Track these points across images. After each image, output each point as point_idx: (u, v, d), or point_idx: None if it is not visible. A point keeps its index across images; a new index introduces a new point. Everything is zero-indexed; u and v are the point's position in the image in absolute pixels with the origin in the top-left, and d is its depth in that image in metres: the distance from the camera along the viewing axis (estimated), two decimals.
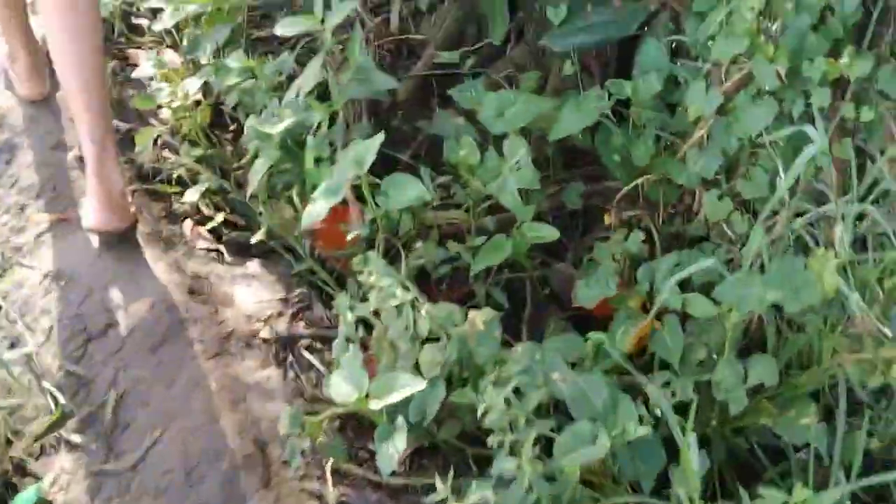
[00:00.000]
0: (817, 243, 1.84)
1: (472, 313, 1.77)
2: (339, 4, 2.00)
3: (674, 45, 2.27)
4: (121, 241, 2.12)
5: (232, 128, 2.68)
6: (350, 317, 1.78)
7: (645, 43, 2.14)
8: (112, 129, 2.16)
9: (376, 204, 1.94)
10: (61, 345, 1.96)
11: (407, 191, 1.90)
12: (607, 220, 2.21)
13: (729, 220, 2.01)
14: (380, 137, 1.93)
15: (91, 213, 2.12)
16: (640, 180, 2.10)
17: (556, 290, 2.29)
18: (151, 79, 2.51)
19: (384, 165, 2.67)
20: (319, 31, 2.06)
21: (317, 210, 1.89)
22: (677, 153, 2.08)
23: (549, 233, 2.00)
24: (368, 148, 1.89)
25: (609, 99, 2.05)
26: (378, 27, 3.03)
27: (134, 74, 2.59)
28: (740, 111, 1.89)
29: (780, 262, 1.63)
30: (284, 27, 2.07)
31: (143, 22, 3.07)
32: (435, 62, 2.88)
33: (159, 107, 2.49)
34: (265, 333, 2.02)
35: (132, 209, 2.19)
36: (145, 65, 2.50)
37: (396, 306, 1.74)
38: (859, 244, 1.84)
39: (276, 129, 2.13)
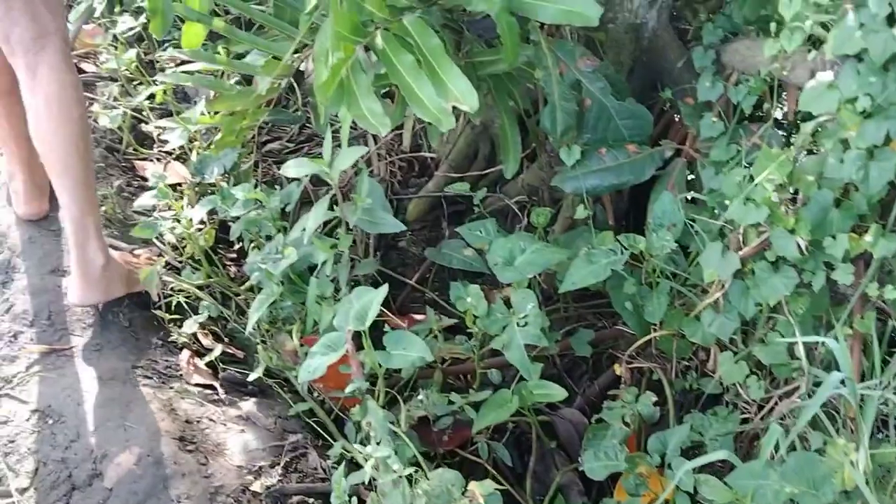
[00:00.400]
0: (837, 415, 1.77)
1: (472, 486, 1.69)
2: (348, 151, 1.96)
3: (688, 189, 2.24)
4: (112, 378, 2.06)
5: (236, 246, 2.63)
6: (344, 484, 1.70)
7: (660, 194, 2.09)
8: (94, 211, 2.23)
9: (378, 362, 1.87)
10: (44, 492, 1.87)
11: (409, 351, 1.83)
12: (618, 370, 2.13)
13: (745, 383, 1.94)
14: (383, 291, 1.87)
15: (74, 288, 2.21)
16: (652, 335, 2.03)
17: (564, 439, 2.20)
18: (153, 208, 2.46)
19: (390, 288, 2.63)
20: (326, 173, 2.01)
21: (315, 366, 1.82)
22: (691, 309, 2.02)
23: (558, 392, 1.93)
24: (371, 303, 1.83)
25: (622, 253, 1.99)
26: (390, 143, 3.00)
27: (136, 205, 2.55)
28: (759, 278, 1.82)
29: (798, 456, 1.55)
30: (292, 169, 2.03)
31: (152, 129, 3.05)
32: (447, 180, 2.85)
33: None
34: (256, 487, 1.94)
35: (113, 283, 2.26)
36: (146, 196, 2.45)
37: (393, 480, 1.65)
38: (879, 421, 1.77)
39: (280, 268, 2.07)
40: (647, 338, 2.03)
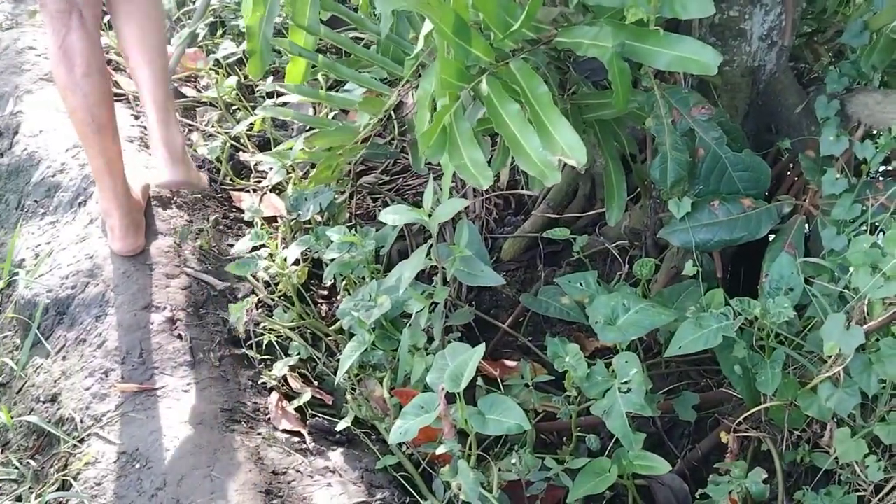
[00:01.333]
0: None
1: None
2: (449, 202, 1.89)
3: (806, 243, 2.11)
4: (200, 422, 2.03)
5: (327, 283, 2.59)
6: None
7: (776, 254, 1.96)
8: (172, 98, 2.47)
9: (470, 423, 1.79)
10: None
11: (505, 417, 1.75)
12: (724, 438, 2.01)
13: (863, 462, 1.81)
14: (480, 351, 1.79)
15: (164, 168, 2.36)
16: (763, 406, 1.91)
17: None
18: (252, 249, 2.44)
19: (483, 330, 2.56)
20: (426, 222, 1.94)
21: (407, 428, 1.76)
22: (806, 377, 1.89)
23: (660, 465, 1.82)
24: (467, 364, 1.75)
25: (734, 317, 1.87)
26: None
27: (233, 251, 2.54)
28: (884, 354, 1.69)
29: None
30: (391, 217, 1.97)
31: (250, 158, 3.04)
32: (545, 220, 2.77)
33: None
34: None
35: (192, 169, 2.49)
36: (244, 240, 2.43)
37: None
38: None
39: (372, 317, 2.02)
40: (758, 408, 1.91)
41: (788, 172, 2.32)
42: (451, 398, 1.83)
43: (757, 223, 2.05)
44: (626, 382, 1.83)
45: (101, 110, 2.31)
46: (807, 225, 2.12)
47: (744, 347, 1.92)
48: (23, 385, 2.31)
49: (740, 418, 1.96)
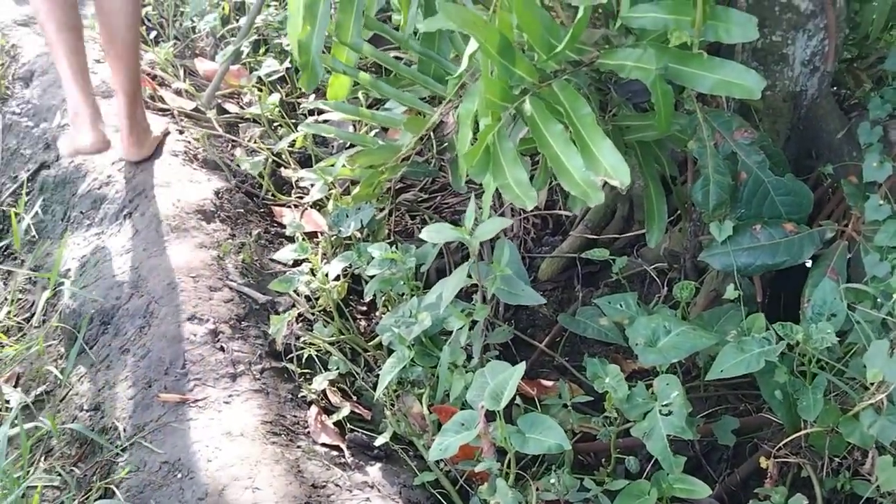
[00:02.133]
0: None
1: None
2: (491, 221, 1.91)
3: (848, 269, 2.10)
4: (241, 433, 2.06)
5: (367, 299, 2.61)
6: None
7: (819, 279, 1.96)
8: (140, 89, 2.86)
9: (510, 441, 1.80)
10: None
11: (545, 437, 1.76)
12: (763, 463, 2.00)
13: None
14: (520, 370, 1.81)
15: (127, 147, 2.86)
16: (804, 432, 1.90)
17: None
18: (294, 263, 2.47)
19: (520, 349, 2.56)
20: (467, 241, 1.96)
21: (447, 445, 1.77)
22: (848, 404, 1.88)
23: (701, 489, 1.81)
24: (507, 382, 1.76)
25: (776, 342, 1.86)
26: None
27: (276, 256, 2.57)
28: None
29: None
30: (432, 235, 1.99)
31: (291, 174, 3.08)
32: (583, 241, 2.77)
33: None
34: None
35: (154, 143, 2.93)
36: (286, 249, 2.47)
37: None
38: None
39: (413, 333, 2.04)
40: (799, 434, 1.90)
41: (830, 198, 2.32)
42: (490, 416, 1.84)
43: (799, 248, 2.05)
44: (666, 405, 1.83)
45: (72, 13, 2.62)
46: (848, 251, 2.11)
47: (785, 373, 1.91)
48: (66, 393, 2.35)
49: (780, 444, 1.95)
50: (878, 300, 1.91)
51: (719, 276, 2.32)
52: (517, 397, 2.06)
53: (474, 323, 2.09)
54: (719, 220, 2.09)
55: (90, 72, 2.80)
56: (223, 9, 3.77)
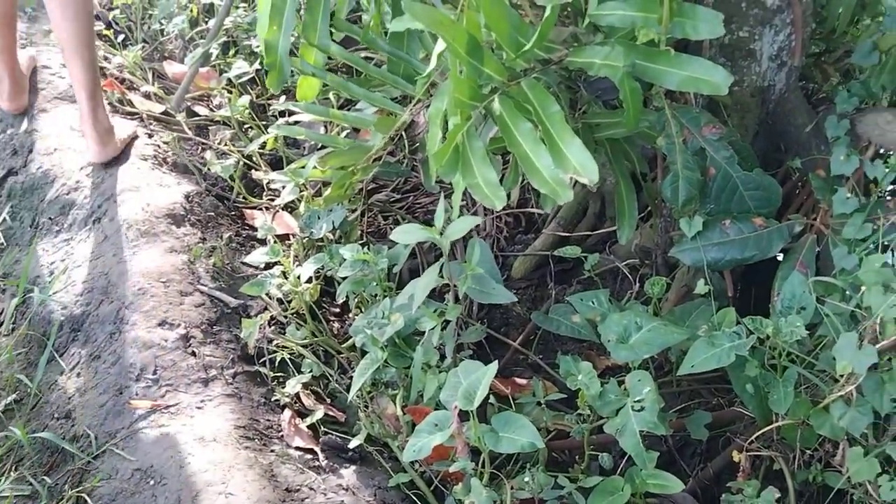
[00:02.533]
0: None
1: None
2: (461, 220, 1.90)
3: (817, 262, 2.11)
4: (214, 439, 2.04)
5: (339, 300, 2.60)
6: None
7: (788, 273, 1.97)
8: (100, 85, 2.93)
9: (484, 441, 1.80)
10: None
11: (519, 435, 1.76)
12: (736, 457, 2.01)
13: (875, 482, 1.81)
14: (493, 369, 1.80)
15: (92, 150, 2.90)
16: (776, 425, 1.91)
17: None
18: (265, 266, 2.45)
19: (493, 348, 2.56)
20: (438, 241, 1.96)
21: (421, 446, 1.76)
22: (819, 396, 1.89)
23: (674, 484, 1.82)
24: (480, 382, 1.76)
25: (747, 336, 1.87)
26: None
27: (248, 259, 2.56)
28: None
29: None
30: (402, 236, 1.98)
31: (262, 176, 3.07)
32: (555, 238, 2.77)
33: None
34: None
35: (119, 143, 2.96)
36: (257, 252, 2.46)
37: None
38: None
39: (386, 334, 2.03)
40: (770, 427, 1.91)
41: (798, 192, 2.33)
42: (464, 416, 1.84)
43: (768, 242, 2.06)
44: (639, 401, 1.84)
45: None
46: (817, 244, 2.13)
47: (756, 366, 1.92)
48: (37, 402, 2.32)
49: (752, 437, 1.96)
50: (847, 293, 1.92)
51: (690, 271, 2.33)
52: (491, 396, 2.06)
53: (447, 323, 2.09)
54: (689, 215, 2.10)
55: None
56: (191, 11, 3.74)
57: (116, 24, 3.87)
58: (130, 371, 2.21)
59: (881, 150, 2.07)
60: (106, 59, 3.62)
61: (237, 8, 3.58)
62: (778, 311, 1.91)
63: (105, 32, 3.75)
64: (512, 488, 1.90)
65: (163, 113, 3.35)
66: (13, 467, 2.18)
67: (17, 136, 3.21)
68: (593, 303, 2.18)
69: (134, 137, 3.06)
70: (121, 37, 3.76)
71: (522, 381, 2.34)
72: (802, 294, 1.90)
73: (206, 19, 3.75)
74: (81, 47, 2.78)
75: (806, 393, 1.94)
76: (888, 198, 2.06)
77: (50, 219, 2.84)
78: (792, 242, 2.09)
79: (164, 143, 3.12)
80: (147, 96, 3.42)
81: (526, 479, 1.89)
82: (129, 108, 3.31)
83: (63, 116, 3.20)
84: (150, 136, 3.13)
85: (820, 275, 2.04)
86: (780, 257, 2.13)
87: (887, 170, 1.95)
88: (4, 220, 2.92)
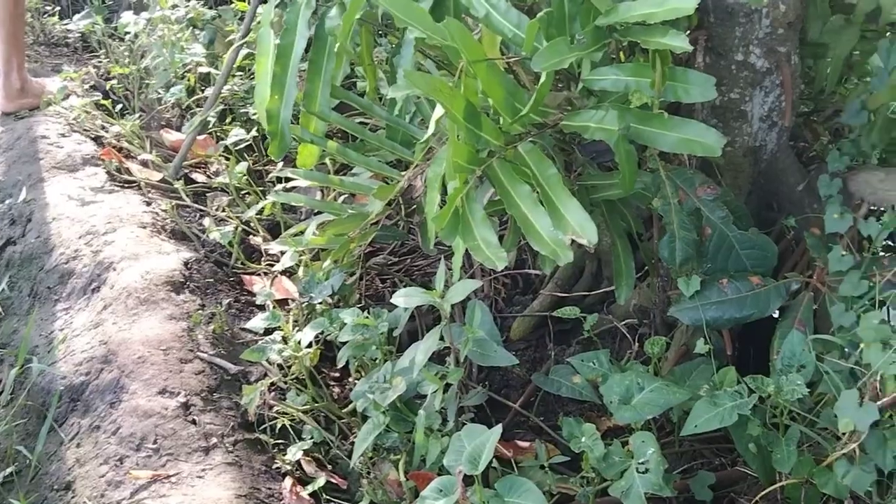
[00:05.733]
0: None
1: None
2: (461, 283, 1.92)
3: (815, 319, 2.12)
4: None
5: (339, 365, 2.59)
6: None
7: (787, 331, 1.98)
8: (20, 53, 3.67)
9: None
10: None
11: (524, 500, 1.75)
12: None
13: None
14: (497, 432, 1.80)
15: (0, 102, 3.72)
16: (779, 484, 1.90)
17: None
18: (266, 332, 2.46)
19: (494, 411, 2.55)
20: (438, 304, 1.97)
21: None
22: (822, 454, 1.89)
23: None
24: (484, 446, 1.76)
25: (748, 395, 1.88)
26: None
27: (248, 325, 2.57)
28: None
29: None
30: (403, 299, 1.99)
31: (260, 241, 3.09)
32: (553, 299, 2.78)
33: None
34: None
35: (30, 98, 3.74)
36: (257, 318, 2.47)
37: None
38: None
39: (387, 399, 2.03)
40: (774, 487, 1.90)
41: (793, 250, 2.36)
42: (468, 480, 1.83)
43: (766, 301, 2.08)
44: (643, 462, 1.83)
45: None
46: (814, 302, 2.14)
47: (758, 425, 1.92)
48: (36, 473, 2.30)
49: (756, 497, 1.96)
50: (846, 350, 1.94)
51: (688, 330, 2.34)
52: (494, 460, 2.05)
53: (448, 386, 2.09)
54: (686, 275, 2.12)
55: None
56: (189, 80, 3.80)
57: (114, 93, 3.92)
58: (131, 440, 2.20)
59: (873, 208, 2.10)
60: (104, 128, 3.67)
61: (233, 77, 3.64)
62: (778, 369, 1.92)
63: (103, 102, 3.81)
64: None
65: (161, 181, 3.38)
66: None
67: (16, 205, 3.23)
68: (594, 363, 2.19)
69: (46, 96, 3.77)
70: (119, 106, 3.81)
71: (525, 444, 2.33)
72: (802, 352, 1.91)
73: (203, 88, 3.80)
74: (3, 19, 3.52)
75: (809, 451, 1.94)
76: (883, 255, 2.08)
77: (49, 288, 2.84)
78: (789, 300, 2.11)
79: (163, 210, 3.15)
80: (145, 164, 3.45)
81: None
82: (126, 177, 3.34)
83: (61, 186, 3.22)
84: (149, 203, 3.15)
85: (818, 332, 2.06)
86: (778, 315, 2.14)
87: (881, 227, 1.97)
88: (3, 289, 2.92)
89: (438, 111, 2.08)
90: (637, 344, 2.47)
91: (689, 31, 2.17)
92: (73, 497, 2.17)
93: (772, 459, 1.89)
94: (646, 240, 2.52)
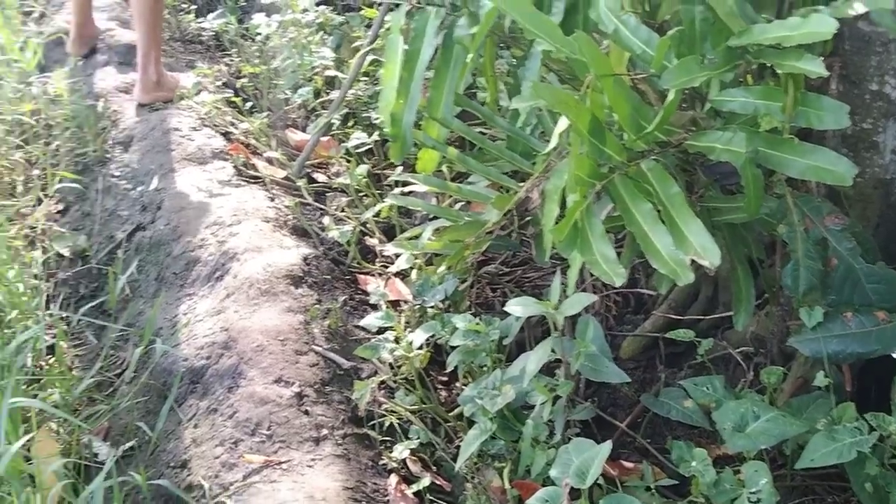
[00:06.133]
0: None
1: None
2: (576, 296, 1.93)
3: None
4: (324, 498, 2.07)
5: (447, 369, 2.63)
6: None
7: None
8: (157, 47, 3.87)
9: None
10: None
11: None
12: None
13: None
14: (606, 448, 1.80)
15: (136, 92, 3.92)
16: None
17: None
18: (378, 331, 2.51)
19: (599, 428, 2.54)
20: (552, 315, 1.98)
21: None
22: None
23: None
24: (593, 460, 1.76)
25: (868, 433, 1.83)
26: None
27: (362, 322, 2.63)
28: None
29: None
30: (518, 308, 2.01)
31: (376, 243, 3.15)
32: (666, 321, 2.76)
33: None
34: None
35: (165, 92, 3.92)
36: (372, 316, 2.52)
37: None
38: None
39: (496, 406, 2.05)
40: None
41: None
42: (574, 494, 1.83)
43: (892, 337, 2.01)
44: (755, 492, 1.80)
45: None
46: None
47: (876, 465, 1.87)
48: (154, 450, 2.41)
49: None
50: None
51: (807, 362, 2.28)
52: (599, 477, 2.04)
53: (557, 398, 2.10)
54: (809, 305, 2.07)
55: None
56: (316, 83, 3.91)
57: (244, 91, 4.07)
58: (246, 425, 2.28)
59: None
60: (233, 124, 3.81)
61: (359, 82, 3.73)
62: None
63: (233, 99, 3.96)
64: None
65: (284, 178, 3.49)
66: None
67: (147, 193, 3.38)
68: (707, 388, 2.16)
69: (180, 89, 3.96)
70: (248, 104, 3.95)
71: (629, 465, 2.32)
72: None
73: (328, 91, 3.91)
74: (145, 13, 3.76)
75: None
76: None
77: (175, 273, 2.97)
78: None
79: (286, 206, 3.25)
80: (270, 162, 3.57)
81: None
82: (252, 172, 3.46)
83: (190, 177, 3.36)
84: (272, 199, 3.26)
85: None
86: None
87: None
88: (132, 272, 3.06)
89: (561, 124, 2.09)
90: (752, 373, 2.43)
91: (822, 57, 2.13)
92: (188, 475, 2.26)
93: (889, 501, 1.83)
94: (767, 267, 2.47)
